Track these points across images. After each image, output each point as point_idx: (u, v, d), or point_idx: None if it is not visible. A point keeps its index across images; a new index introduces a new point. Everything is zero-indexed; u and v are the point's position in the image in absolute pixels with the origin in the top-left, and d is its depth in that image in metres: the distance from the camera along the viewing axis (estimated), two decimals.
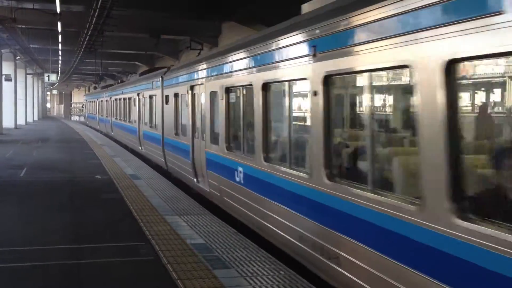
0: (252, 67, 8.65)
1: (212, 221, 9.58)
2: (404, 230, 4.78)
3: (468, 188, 4.27)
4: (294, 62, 7.09)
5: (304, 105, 7.32)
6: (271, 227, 7.88)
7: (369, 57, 5.33)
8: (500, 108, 4.34)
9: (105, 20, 22.32)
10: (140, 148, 21.98)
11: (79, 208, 11.04)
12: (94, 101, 44.87)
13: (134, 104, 23.08)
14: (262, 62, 8.17)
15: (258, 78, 8.29)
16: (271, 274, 6.61)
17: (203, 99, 12.17)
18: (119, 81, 37.01)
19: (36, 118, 71.45)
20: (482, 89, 4.55)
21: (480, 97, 4.57)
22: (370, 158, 5.57)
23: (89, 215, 10.36)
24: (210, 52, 14.41)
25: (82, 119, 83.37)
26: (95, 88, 53.32)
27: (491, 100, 4.48)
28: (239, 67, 9.41)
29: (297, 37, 7.02)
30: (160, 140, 17.14)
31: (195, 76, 12.83)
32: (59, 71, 53.43)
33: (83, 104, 64.34)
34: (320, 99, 6.36)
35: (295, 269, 6.94)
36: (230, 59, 9.96)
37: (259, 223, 8.39)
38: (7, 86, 43.64)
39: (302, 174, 6.99)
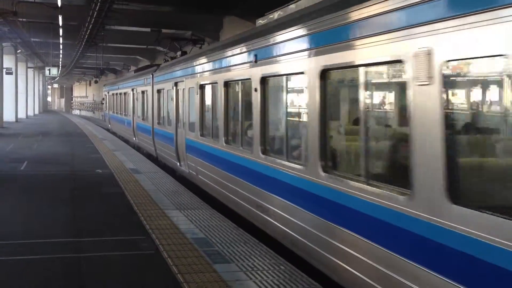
0: None
1: (213, 216, 9.58)
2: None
3: None
4: None
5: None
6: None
7: None
8: None
9: (106, 14, 22.29)
10: None
11: (79, 202, 11.04)
12: (125, 93, 26.60)
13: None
14: None
15: None
16: (271, 269, 6.62)
17: None
18: (177, 54, 18.70)
19: (37, 112, 71.47)
20: None
21: None
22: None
23: (90, 209, 10.37)
24: None
25: (84, 113, 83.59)
26: (96, 82, 53.14)
27: None
28: None
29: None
30: None
31: None
32: (60, 65, 53.44)
33: (103, 98, 42.25)
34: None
35: (295, 263, 6.95)
36: None
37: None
38: (8, 79, 43.64)
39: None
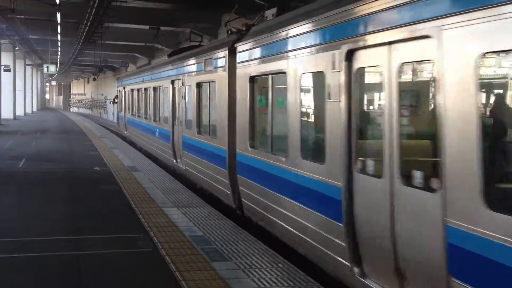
0: None
1: (211, 214, 9.58)
2: None
3: None
4: None
5: None
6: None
7: None
8: None
9: (105, 11, 22.27)
10: None
11: (77, 200, 11.03)
12: (157, 89, 18.37)
13: None
14: None
15: None
16: (269, 267, 6.62)
17: None
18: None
19: (35, 109, 71.39)
20: None
21: None
22: None
23: (88, 206, 10.36)
24: None
25: (82, 110, 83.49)
26: (94, 79, 53.00)
27: None
28: None
29: None
30: None
31: None
32: (58, 62, 53.39)
33: (116, 96, 32.78)
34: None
35: (294, 262, 6.95)
36: None
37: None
38: (6, 76, 43.59)
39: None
